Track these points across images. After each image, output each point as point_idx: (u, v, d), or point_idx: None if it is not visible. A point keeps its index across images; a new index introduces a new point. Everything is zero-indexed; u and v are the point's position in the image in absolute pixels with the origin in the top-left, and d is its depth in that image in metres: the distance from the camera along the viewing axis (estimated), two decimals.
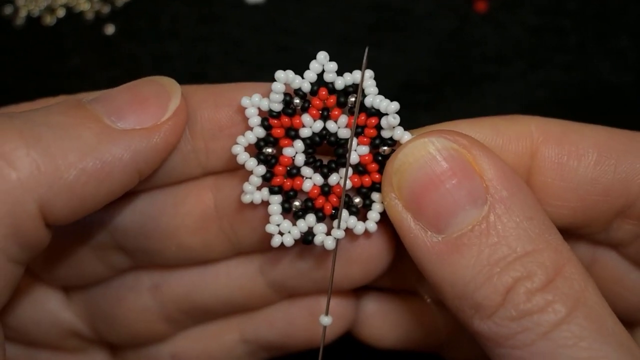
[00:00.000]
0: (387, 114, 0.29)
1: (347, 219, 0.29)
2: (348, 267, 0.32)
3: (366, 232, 0.30)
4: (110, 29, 0.49)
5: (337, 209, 0.29)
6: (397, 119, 0.29)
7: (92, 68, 0.49)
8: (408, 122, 0.49)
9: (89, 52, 0.49)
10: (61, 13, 0.50)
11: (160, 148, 0.28)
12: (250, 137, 0.29)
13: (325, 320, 0.30)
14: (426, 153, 0.26)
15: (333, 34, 0.48)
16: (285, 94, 0.29)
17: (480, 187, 0.25)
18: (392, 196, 0.27)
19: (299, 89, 0.29)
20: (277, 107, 0.29)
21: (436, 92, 0.48)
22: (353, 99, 0.29)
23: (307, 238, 0.29)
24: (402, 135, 0.29)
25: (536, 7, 0.48)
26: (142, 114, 0.28)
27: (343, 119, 0.29)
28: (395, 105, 0.29)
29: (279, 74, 0.29)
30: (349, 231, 0.30)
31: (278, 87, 0.29)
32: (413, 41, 0.48)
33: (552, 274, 0.25)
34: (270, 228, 0.29)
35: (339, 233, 0.29)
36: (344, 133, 0.29)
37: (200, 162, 0.31)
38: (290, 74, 0.29)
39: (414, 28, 0.48)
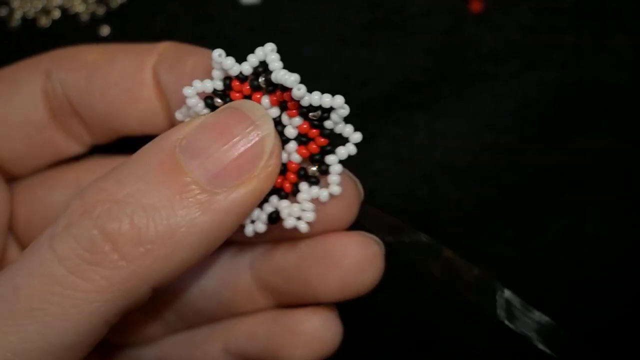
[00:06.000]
0: (332, 108, 0.29)
1: (309, 191, 0.29)
2: (326, 273, 0.31)
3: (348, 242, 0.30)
4: (105, 30, 0.49)
5: (296, 184, 0.30)
6: (347, 110, 0.29)
7: None
8: (404, 122, 0.49)
9: None
10: (56, 14, 0.50)
11: (252, 202, 0.28)
12: None
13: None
14: None
15: (328, 33, 0.48)
16: (206, 98, 0.29)
17: None
18: None
19: (215, 90, 0.29)
20: (205, 112, 0.29)
21: (431, 91, 0.48)
22: (262, 79, 0.29)
23: (271, 217, 0.30)
24: (343, 128, 0.29)
25: (531, 6, 0.48)
26: (241, 168, 0.27)
27: (266, 100, 0.29)
28: (340, 99, 0.28)
29: (187, 90, 0.29)
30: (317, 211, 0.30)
31: (192, 101, 0.29)
32: (408, 40, 0.48)
33: None
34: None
35: (309, 215, 0.30)
36: (274, 112, 0.29)
37: (170, 117, 0.33)
38: (197, 83, 0.29)
39: (409, 27, 0.48)
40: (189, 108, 0.30)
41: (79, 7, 0.50)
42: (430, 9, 0.48)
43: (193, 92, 0.29)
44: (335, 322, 0.34)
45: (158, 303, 0.34)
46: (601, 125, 0.48)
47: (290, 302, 0.34)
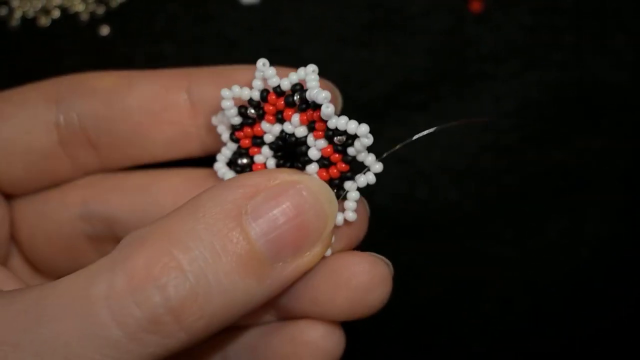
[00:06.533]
0: (357, 136, 0.29)
1: None
2: (334, 291, 0.31)
3: (358, 265, 0.31)
4: (105, 30, 0.49)
5: None
6: (370, 139, 0.29)
7: (87, 69, 0.48)
8: (404, 122, 0.49)
9: (84, 53, 0.49)
10: (56, 14, 0.50)
11: (301, 275, 0.29)
12: (227, 152, 0.31)
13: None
14: None
15: (328, 33, 0.48)
16: (240, 107, 0.30)
17: None
18: None
19: (251, 99, 0.30)
20: (237, 120, 0.30)
21: (431, 91, 0.48)
22: (297, 97, 0.30)
23: None
24: (365, 157, 0.30)
25: (531, 6, 0.48)
26: (299, 246, 0.28)
27: (296, 117, 0.29)
28: (365, 127, 0.29)
29: (225, 92, 0.30)
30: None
31: (227, 104, 0.30)
32: (408, 40, 0.48)
33: None
34: None
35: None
36: (301, 131, 0.30)
37: (201, 138, 0.32)
38: (236, 88, 0.30)
39: (409, 27, 0.48)
40: (224, 112, 0.30)
41: (78, 6, 0.50)
42: (430, 9, 0.48)
43: (230, 95, 0.30)
44: (338, 331, 0.34)
45: None
46: (601, 125, 0.48)
47: (295, 318, 0.34)
